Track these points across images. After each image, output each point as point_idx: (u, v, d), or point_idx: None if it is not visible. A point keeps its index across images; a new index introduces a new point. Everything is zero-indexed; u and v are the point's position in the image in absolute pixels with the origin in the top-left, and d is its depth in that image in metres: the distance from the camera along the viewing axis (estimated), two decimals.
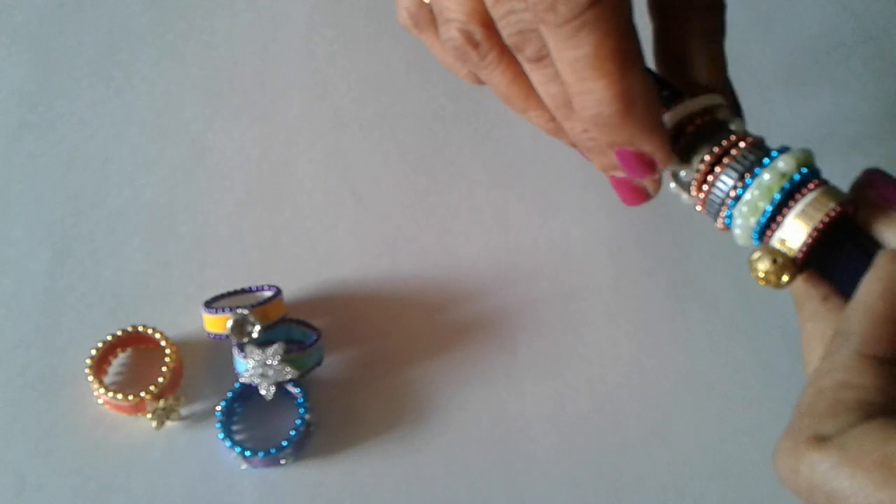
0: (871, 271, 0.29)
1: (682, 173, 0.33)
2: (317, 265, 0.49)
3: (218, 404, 0.43)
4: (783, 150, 0.32)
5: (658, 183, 0.36)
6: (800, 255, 0.31)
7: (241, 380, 0.43)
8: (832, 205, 0.31)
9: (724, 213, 0.33)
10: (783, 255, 0.31)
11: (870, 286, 0.29)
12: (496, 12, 0.32)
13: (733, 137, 0.32)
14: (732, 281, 0.48)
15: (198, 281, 0.48)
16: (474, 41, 0.34)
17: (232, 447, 0.42)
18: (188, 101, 0.55)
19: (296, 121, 0.54)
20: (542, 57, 0.32)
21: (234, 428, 0.44)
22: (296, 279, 0.48)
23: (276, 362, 0.42)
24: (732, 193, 0.32)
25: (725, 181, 0.32)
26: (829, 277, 0.32)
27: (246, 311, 0.43)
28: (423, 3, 0.36)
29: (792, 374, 0.45)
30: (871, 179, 0.32)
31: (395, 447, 0.43)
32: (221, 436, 0.42)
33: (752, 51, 0.57)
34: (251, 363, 0.42)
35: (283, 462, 0.42)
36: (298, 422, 0.42)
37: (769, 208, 0.31)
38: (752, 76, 0.56)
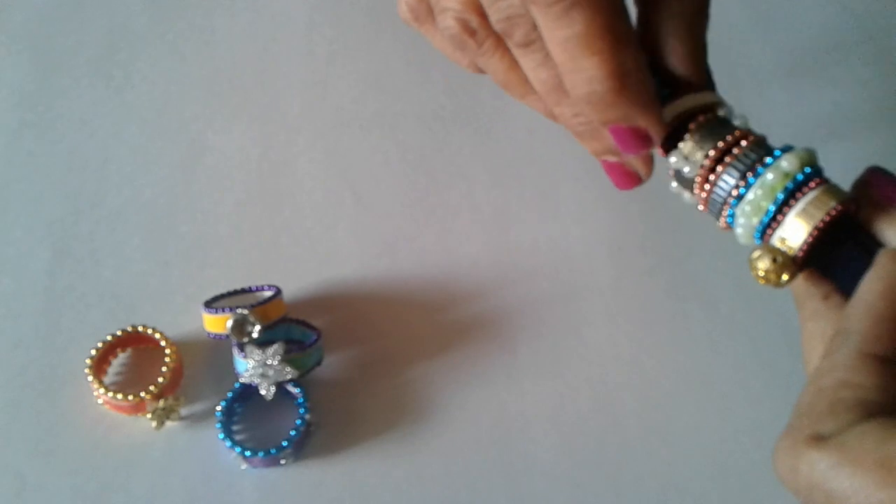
0: (871, 270, 0.29)
1: (686, 170, 0.33)
2: (317, 265, 0.49)
3: (218, 404, 0.43)
4: (786, 149, 0.32)
5: (650, 166, 0.36)
6: (800, 254, 0.31)
7: (242, 380, 0.43)
8: (833, 203, 0.31)
9: (726, 213, 0.32)
10: (783, 253, 0.31)
11: (870, 285, 0.29)
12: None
13: (737, 133, 0.32)
14: (733, 281, 0.48)
15: (198, 281, 0.48)
16: (471, 29, 0.34)
17: (232, 447, 0.42)
18: (188, 101, 0.55)
19: (296, 121, 0.54)
20: (531, 42, 0.32)
21: (235, 428, 0.44)
22: (296, 279, 0.48)
23: (276, 362, 0.42)
24: (735, 192, 0.32)
25: (728, 180, 0.32)
26: (830, 276, 0.32)
27: (246, 311, 0.43)
28: None
29: (792, 373, 0.45)
30: (873, 178, 0.32)
31: (395, 447, 0.43)
32: (221, 436, 0.42)
33: (752, 50, 0.57)
34: (251, 363, 0.42)
35: (283, 462, 0.42)
36: (298, 422, 0.42)
37: (772, 208, 0.31)
38: (752, 75, 0.56)
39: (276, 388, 0.43)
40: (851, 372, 0.27)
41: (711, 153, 0.32)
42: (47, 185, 0.51)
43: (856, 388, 0.27)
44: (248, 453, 0.41)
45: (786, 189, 0.31)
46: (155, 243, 0.49)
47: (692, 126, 0.33)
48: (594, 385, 0.45)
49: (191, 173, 0.52)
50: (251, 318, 0.43)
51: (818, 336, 0.31)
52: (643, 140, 0.33)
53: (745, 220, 0.32)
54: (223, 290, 0.46)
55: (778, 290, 0.32)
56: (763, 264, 0.31)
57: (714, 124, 0.33)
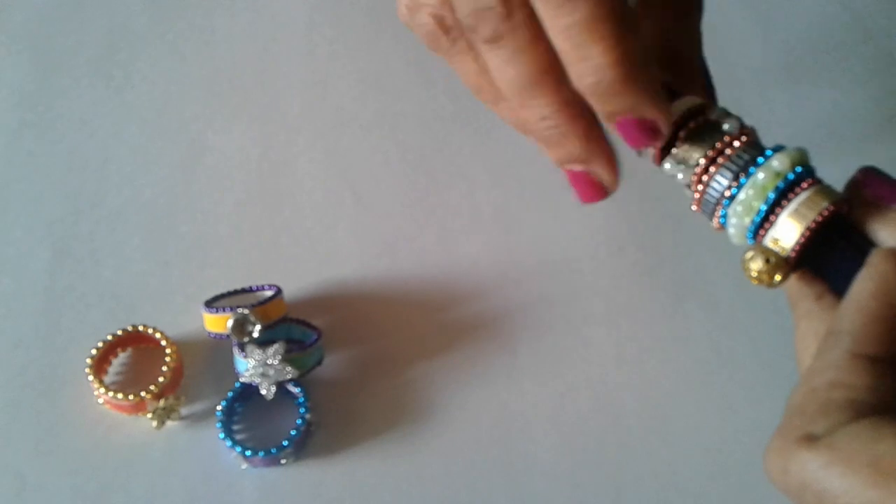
0: (864, 270, 0.29)
1: (680, 176, 0.33)
2: (317, 265, 0.49)
3: (218, 404, 0.43)
4: (777, 149, 0.32)
5: (617, 174, 0.34)
6: (793, 255, 0.31)
7: (242, 379, 0.43)
8: (825, 204, 0.31)
9: (719, 213, 0.33)
10: (776, 254, 0.31)
11: (863, 285, 0.29)
12: None
13: (727, 138, 0.32)
14: (732, 281, 0.48)
15: (198, 280, 0.48)
16: (446, 26, 0.32)
17: (232, 447, 0.42)
18: (188, 101, 0.55)
19: (296, 121, 0.54)
20: (498, 37, 0.31)
21: (235, 427, 0.44)
22: (296, 279, 0.48)
23: (276, 362, 0.42)
24: (727, 193, 0.32)
25: (720, 181, 0.32)
26: (823, 276, 0.32)
27: (246, 311, 0.43)
28: None
29: (792, 373, 0.44)
30: (866, 178, 0.32)
31: (395, 447, 0.43)
32: (222, 435, 0.42)
33: (752, 50, 0.57)
34: (252, 363, 0.42)
35: (283, 462, 0.42)
36: (299, 421, 0.42)
37: (764, 207, 0.31)
38: (751, 75, 0.56)
39: (277, 388, 0.43)
40: (843, 372, 0.27)
41: (702, 162, 0.32)
42: (47, 185, 0.51)
43: (847, 389, 0.27)
44: (248, 453, 0.41)
45: (777, 188, 0.31)
46: (155, 243, 0.49)
47: (681, 135, 0.33)
48: (594, 385, 0.45)
49: (191, 173, 0.52)
50: (252, 318, 0.43)
51: (811, 336, 0.31)
52: (652, 133, 0.31)
53: (738, 220, 0.32)
54: (223, 290, 0.46)
55: (776, 290, 0.32)
56: (756, 265, 0.31)
57: (705, 129, 0.33)
